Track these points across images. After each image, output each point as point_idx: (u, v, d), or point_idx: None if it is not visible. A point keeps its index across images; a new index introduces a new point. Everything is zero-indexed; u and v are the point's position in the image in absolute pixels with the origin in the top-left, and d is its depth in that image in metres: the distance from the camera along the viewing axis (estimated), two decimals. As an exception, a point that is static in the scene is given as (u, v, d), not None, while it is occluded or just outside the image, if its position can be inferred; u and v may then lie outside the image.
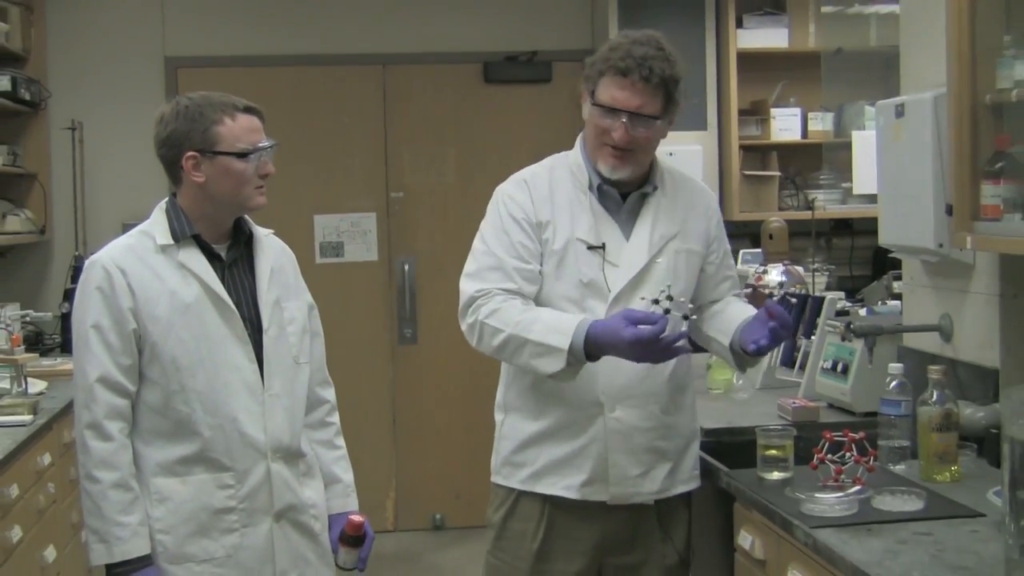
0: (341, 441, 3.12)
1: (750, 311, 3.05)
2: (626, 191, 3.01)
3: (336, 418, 3.11)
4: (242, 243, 2.91)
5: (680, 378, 3.04)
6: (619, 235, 2.99)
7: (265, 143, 2.82)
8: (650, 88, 2.87)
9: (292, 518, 2.88)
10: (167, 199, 2.88)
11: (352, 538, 2.94)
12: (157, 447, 2.77)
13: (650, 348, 2.68)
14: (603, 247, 2.96)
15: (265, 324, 2.86)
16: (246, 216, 2.92)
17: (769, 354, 4.18)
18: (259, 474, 2.82)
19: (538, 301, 2.96)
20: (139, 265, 2.78)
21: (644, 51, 2.87)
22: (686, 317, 2.78)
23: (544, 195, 3.00)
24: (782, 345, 4.14)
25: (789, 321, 2.89)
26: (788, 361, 4.16)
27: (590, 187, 3.00)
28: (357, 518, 2.95)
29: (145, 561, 2.71)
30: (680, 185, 3.10)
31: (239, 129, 2.79)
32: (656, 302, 2.75)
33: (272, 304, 2.88)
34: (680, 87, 2.93)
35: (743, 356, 2.98)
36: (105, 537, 2.70)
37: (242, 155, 2.78)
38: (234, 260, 2.88)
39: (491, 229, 3.01)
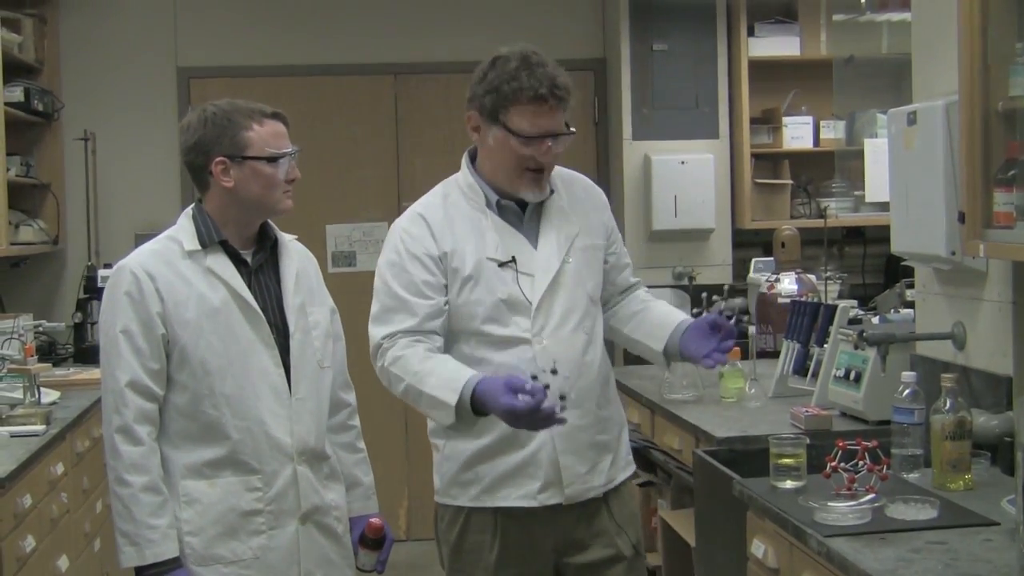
0: (362, 444, 3.15)
1: (675, 315, 3.13)
2: (523, 201, 3.04)
3: (357, 421, 3.15)
4: (268, 248, 2.94)
5: (606, 371, 3.11)
6: (527, 245, 3.02)
7: (291, 148, 2.86)
8: (563, 105, 2.93)
9: (317, 520, 2.91)
10: (193, 205, 2.91)
11: (372, 540, 2.98)
12: (185, 450, 2.80)
13: (525, 419, 2.71)
14: (513, 260, 2.99)
15: (291, 329, 2.89)
16: (270, 222, 2.95)
17: (785, 353, 4.22)
18: (286, 476, 2.84)
19: (460, 328, 2.99)
20: (167, 270, 2.81)
21: (545, 72, 2.89)
22: (563, 397, 2.81)
23: (442, 225, 3.01)
24: (795, 353, 4.15)
25: (734, 334, 2.99)
26: (800, 369, 4.15)
27: (488, 205, 3.02)
28: (377, 521, 2.99)
29: (175, 563, 2.74)
30: (571, 185, 3.16)
31: (267, 134, 2.83)
32: (535, 377, 2.78)
33: (297, 309, 2.91)
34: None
35: (675, 358, 3.09)
36: (136, 540, 2.72)
37: (272, 159, 2.82)
38: (260, 265, 2.91)
39: (390, 267, 3.01)
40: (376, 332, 2.98)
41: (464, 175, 3.07)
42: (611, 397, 3.15)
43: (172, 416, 2.80)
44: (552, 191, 3.06)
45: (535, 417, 2.69)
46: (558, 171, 3.12)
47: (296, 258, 2.98)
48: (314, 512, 2.90)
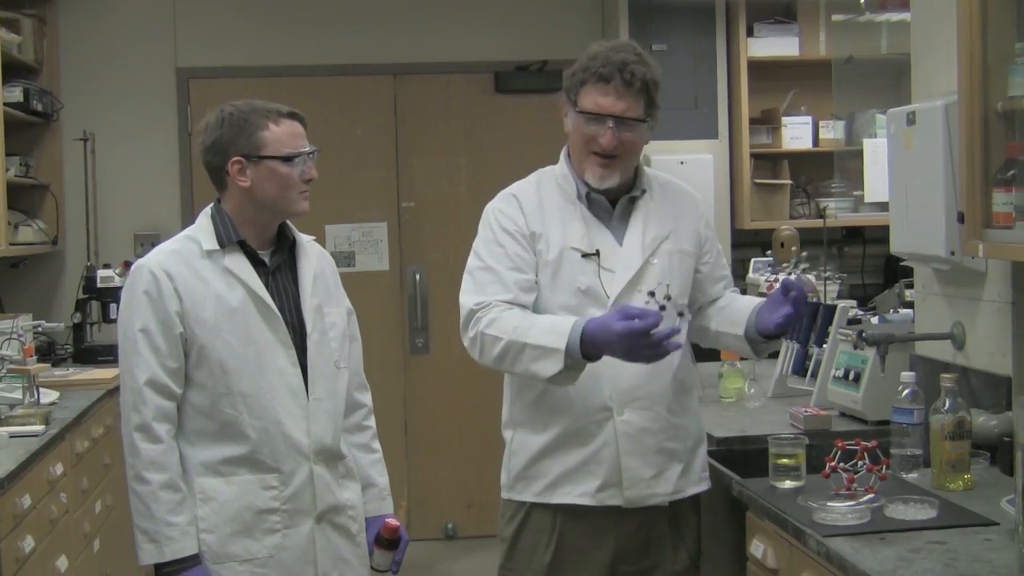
0: (377, 445, 3.16)
1: (756, 300, 3.09)
2: (614, 197, 3.05)
3: (372, 422, 3.16)
4: (286, 249, 2.95)
5: (684, 380, 3.07)
6: (612, 241, 3.02)
7: (308, 148, 2.87)
8: (632, 92, 2.91)
9: (332, 519, 2.92)
10: (212, 205, 2.92)
11: (388, 541, 3.01)
12: (202, 447, 2.81)
13: (640, 342, 2.68)
14: (597, 254, 2.99)
15: (309, 329, 2.90)
16: (289, 223, 2.96)
17: (784, 353, 4.19)
18: (302, 476, 2.86)
19: (537, 311, 2.97)
20: (185, 269, 2.82)
21: (623, 56, 2.91)
22: (680, 314, 2.85)
23: (534, 207, 3.03)
24: (794, 353, 4.15)
25: (804, 292, 2.92)
26: (800, 370, 4.15)
27: (578, 196, 3.03)
28: (393, 521, 3.02)
29: (194, 560, 2.76)
30: (667, 189, 3.14)
31: (283, 134, 2.84)
32: (652, 294, 2.82)
33: (315, 310, 2.92)
34: (659, 89, 2.97)
35: (760, 342, 3.02)
36: (155, 537, 2.74)
37: (287, 159, 2.83)
38: (278, 266, 2.93)
39: (484, 244, 3.03)
40: (468, 300, 2.96)
41: (560, 166, 3.10)
42: (688, 407, 3.09)
43: (189, 414, 2.82)
44: (644, 191, 3.06)
45: (652, 340, 2.67)
46: (656, 175, 3.14)
47: (314, 259, 2.99)
48: (329, 511, 2.91)
